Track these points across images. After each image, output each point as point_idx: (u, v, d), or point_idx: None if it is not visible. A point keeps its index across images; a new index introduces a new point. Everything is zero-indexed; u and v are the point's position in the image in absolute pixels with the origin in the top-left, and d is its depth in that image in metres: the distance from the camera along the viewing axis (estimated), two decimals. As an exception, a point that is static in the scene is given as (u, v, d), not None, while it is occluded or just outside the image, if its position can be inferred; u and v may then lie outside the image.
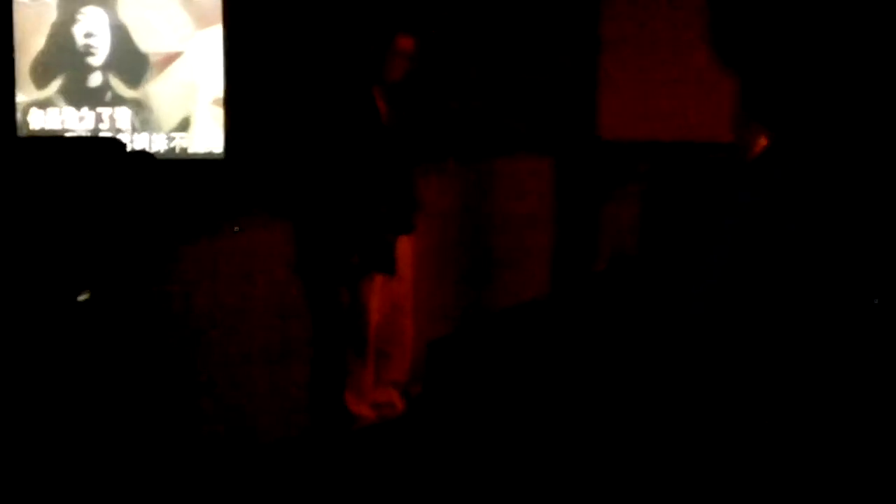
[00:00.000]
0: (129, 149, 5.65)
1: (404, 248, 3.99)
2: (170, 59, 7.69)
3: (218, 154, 7.72)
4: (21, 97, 7.63)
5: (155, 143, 7.72)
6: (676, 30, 7.43)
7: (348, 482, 3.72)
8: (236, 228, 3.81)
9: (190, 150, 7.75)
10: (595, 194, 7.14)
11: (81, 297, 3.72)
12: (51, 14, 7.67)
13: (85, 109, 7.65)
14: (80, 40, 7.71)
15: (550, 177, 6.52)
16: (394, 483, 3.69)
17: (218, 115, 7.66)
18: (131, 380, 3.49)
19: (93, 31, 7.68)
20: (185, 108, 7.73)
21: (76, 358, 3.47)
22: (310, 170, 3.98)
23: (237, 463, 3.73)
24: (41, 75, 7.67)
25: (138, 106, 7.71)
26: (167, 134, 7.76)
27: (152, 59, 7.70)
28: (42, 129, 7.64)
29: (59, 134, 7.61)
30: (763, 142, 5.23)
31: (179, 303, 3.66)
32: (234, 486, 3.63)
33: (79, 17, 7.70)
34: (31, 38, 7.63)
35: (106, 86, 7.67)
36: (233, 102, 7.67)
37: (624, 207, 7.27)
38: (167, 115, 7.74)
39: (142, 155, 6.35)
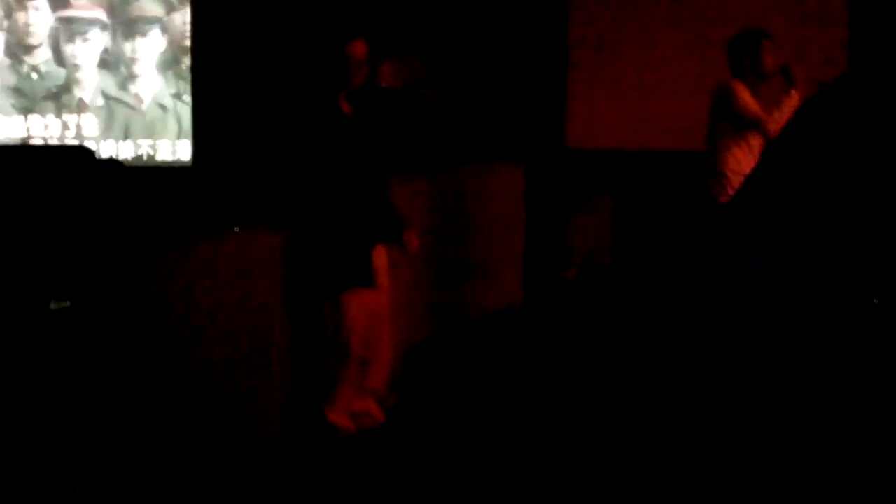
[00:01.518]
0: (97, 156, 5.60)
1: (381, 257, 3.99)
2: (137, 65, 7.66)
3: (185, 162, 7.68)
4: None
5: (122, 150, 7.67)
6: (644, 41, 7.52)
7: (333, 493, 3.72)
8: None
9: (157, 158, 7.70)
10: (565, 202, 7.19)
11: (56, 306, 3.68)
12: (20, 20, 7.69)
13: (50, 117, 7.61)
14: (46, 48, 7.66)
15: (522, 185, 6.55)
16: (377, 493, 3.70)
17: (186, 123, 7.63)
18: (108, 387, 3.46)
19: (59, 38, 7.65)
20: (152, 115, 7.69)
21: (51, 366, 3.44)
22: (284, 181, 3.97)
23: (216, 469, 3.72)
24: (5, 81, 7.63)
25: (105, 113, 7.67)
26: (134, 142, 7.71)
27: (118, 65, 7.67)
28: (6, 138, 7.56)
29: (25, 142, 7.54)
30: (735, 150, 5.24)
31: (157, 310, 3.63)
32: (215, 493, 3.62)
33: (39, 23, 7.68)
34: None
35: (71, 93, 7.62)
36: (200, 111, 7.64)
37: (594, 215, 7.33)
38: (134, 122, 7.70)
39: (111, 163, 6.32)
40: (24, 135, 7.63)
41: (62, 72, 7.75)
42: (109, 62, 7.77)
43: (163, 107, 7.79)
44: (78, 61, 7.75)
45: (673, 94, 7.30)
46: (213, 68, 7.52)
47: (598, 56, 7.61)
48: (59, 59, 7.77)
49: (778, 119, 4.92)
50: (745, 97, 4.97)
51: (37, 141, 7.59)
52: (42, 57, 7.76)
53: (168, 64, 7.82)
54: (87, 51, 7.76)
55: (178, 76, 7.81)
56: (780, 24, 6.68)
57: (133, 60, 7.81)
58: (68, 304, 3.64)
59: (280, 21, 7.42)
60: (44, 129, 7.61)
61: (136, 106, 7.78)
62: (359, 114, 4.01)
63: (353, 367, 3.88)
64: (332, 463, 3.90)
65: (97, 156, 5.65)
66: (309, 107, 4.02)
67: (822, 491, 1.78)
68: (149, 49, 7.81)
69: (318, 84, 4.00)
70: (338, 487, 3.74)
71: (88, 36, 7.72)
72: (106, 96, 7.77)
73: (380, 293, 3.99)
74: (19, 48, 7.72)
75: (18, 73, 7.73)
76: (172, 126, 7.71)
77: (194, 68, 7.60)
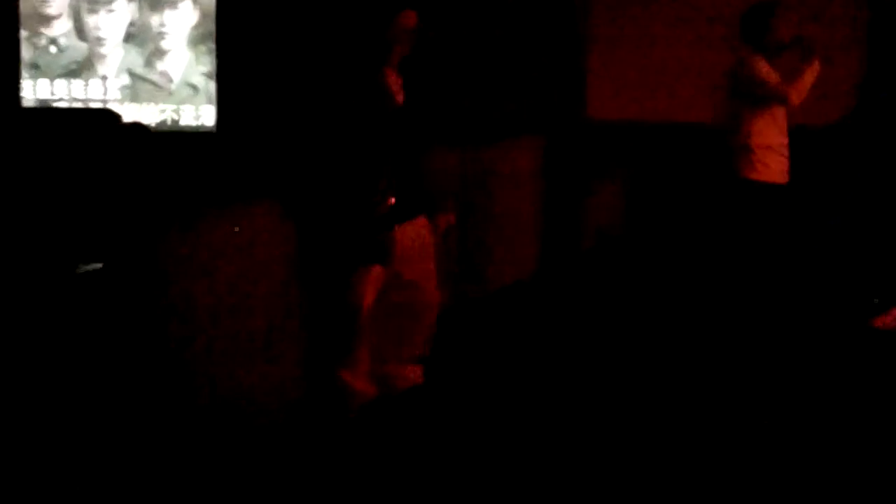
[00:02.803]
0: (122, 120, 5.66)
1: (423, 228, 4.02)
2: (166, 40, 7.67)
3: (209, 127, 7.74)
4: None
5: (145, 115, 7.72)
6: (664, 13, 7.51)
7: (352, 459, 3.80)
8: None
9: (181, 123, 7.76)
10: (582, 174, 7.22)
11: (87, 268, 3.76)
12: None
13: (77, 81, 7.62)
14: (66, 20, 7.60)
15: (540, 156, 6.59)
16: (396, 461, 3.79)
17: (210, 88, 7.67)
18: (132, 358, 3.52)
19: (80, 9, 7.59)
20: (180, 95, 7.70)
21: (78, 331, 3.51)
22: (316, 156, 3.95)
23: (234, 446, 3.79)
24: (33, 45, 7.62)
25: (130, 92, 7.68)
26: (158, 106, 7.76)
27: (144, 40, 7.67)
28: (34, 100, 7.61)
29: (49, 104, 7.59)
30: (759, 124, 5.22)
31: (175, 284, 3.68)
32: (234, 468, 3.69)
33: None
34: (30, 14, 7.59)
35: (93, 69, 7.61)
36: (224, 76, 7.68)
37: (611, 187, 7.36)
38: (159, 87, 7.73)
39: (136, 126, 6.38)
40: (49, 97, 7.63)
41: (83, 46, 7.57)
42: (135, 36, 7.59)
43: (193, 86, 7.69)
44: (101, 34, 7.55)
45: (693, 66, 7.29)
46: (237, 33, 7.55)
47: (619, 28, 7.61)
48: (81, 32, 7.57)
49: (800, 89, 4.89)
50: (764, 69, 4.93)
51: (61, 104, 7.64)
52: (61, 29, 7.57)
53: (199, 39, 7.64)
54: (111, 23, 7.52)
55: (211, 53, 7.59)
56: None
57: (161, 35, 7.59)
58: (98, 266, 3.72)
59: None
60: (68, 92, 7.61)
61: (164, 85, 7.67)
62: (405, 84, 3.93)
63: (365, 336, 3.93)
64: (350, 426, 3.98)
65: (122, 120, 5.71)
66: (347, 79, 3.93)
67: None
68: (179, 22, 7.59)
69: (360, 56, 3.90)
70: (353, 453, 3.83)
71: (113, 7, 7.51)
72: (131, 74, 7.63)
73: (425, 260, 4.03)
74: (36, 18, 7.50)
75: (35, 47, 7.54)
76: (196, 91, 7.73)
77: (219, 32, 7.62)
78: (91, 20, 7.57)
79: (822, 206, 6.29)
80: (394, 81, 3.89)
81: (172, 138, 7.43)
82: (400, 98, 3.91)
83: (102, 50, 7.62)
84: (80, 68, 7.62)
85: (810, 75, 4.90)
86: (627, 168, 7.48)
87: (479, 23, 7.29)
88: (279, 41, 7.38)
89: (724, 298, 5.14)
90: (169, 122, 7.76)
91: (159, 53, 7.68)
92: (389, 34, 3.81)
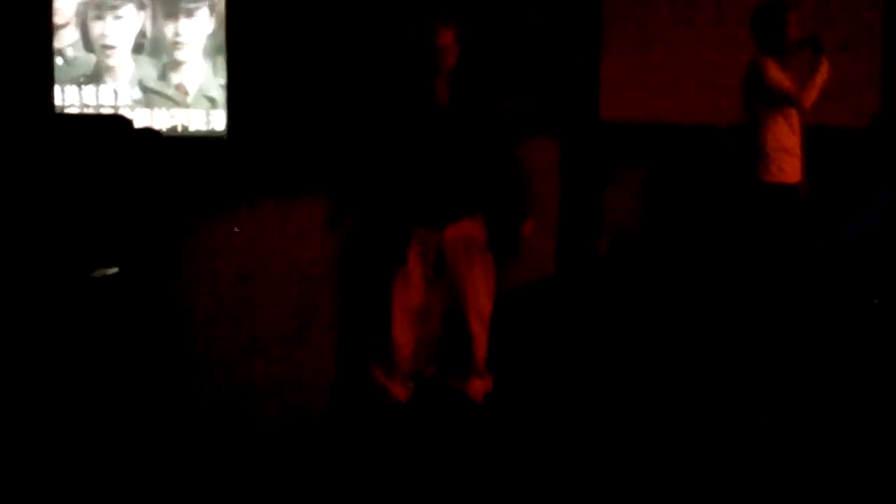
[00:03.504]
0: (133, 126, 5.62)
1: (474, 230, 3.99)
2: (181, 50, 7.63)
3: (220, 133, 7.70)
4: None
5: (156, 120, 7.69)
6: (678, 14, 7.48)
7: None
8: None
9: (191, 129, 7.72)
10: (598, 175, 7.19)
11: (105, 272, 3.73)
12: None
13: (89, 87, 7.57)
14: (72, 29, 7.49)
15: (556, 157, 6.56)
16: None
17: (220, 94, 7.64)
18: (151, 357, 3.50)
19: (87, 17, 7.52)
20: (197, 109, 7.65)
21: (94, 333, 3.48)
22: (359, 157, 3.99)
23: (264, 440, 3.80)
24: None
25: (143, 107, 7.63)
26: (168, 111, 7.72)
27: (158, 51, 7.64)
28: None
29: (59, 110, 7.55)
30: (772, 127, 5.23)
31: (201, 280, 3.67)
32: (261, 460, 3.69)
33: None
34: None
35: (101, 82, 7.57)
36: (235, 82, 7.65)
37: (626, 189, 7.32)
38: (168, 92, 7.70)
39: (148, 132, 6.34)
40: (59, 103, 7.59)
41: (91, 58, 7.38)
42: (147, 47, 7.41)
43: (211, 100, 7.56)
44: (110, 43, 7.32)
45: (708, 67, 7.26)
46: (247, 38, 7.53)
47: (633, 29, 7.59)
48: (88, 42, 7.36)
49: (810, 91, 4.91)
50: (775, 73, 4.93)
51: (71, 110, 7.60)
52: (68, 39, 7.37)
53: (217, 49, 7.45)
54: (120, 32, 7.26)
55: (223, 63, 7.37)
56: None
57: (176, 45, 7.36)
58: (115, 270, 3.68)
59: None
60: (79, 98, 7.56)
61: (180, 100, 7.52)
62: (456, 96, 3.96)
63: (400, 336, 3.95)
64: (383, 425, 4.02)
65: (134, 125, 5.67)
66: (394, 88, 4.01)
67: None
68: (195, 31, 7.35)
69: (408, 70, 3.98)
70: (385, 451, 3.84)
71: (122, 13, 7.28)
72: (144, 88, 7.49)
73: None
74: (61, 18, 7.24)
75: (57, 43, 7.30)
76: (206, 97, 7.69)
77: (229, 38, 7.59)
78: (100, 28, 7.49)
79: (845, 209, 6.28)
80: (442, 91, 3.92)
81: (184, 143, 7.40)
82: (445, 103, 3.93)
83: (111, 61, 7.48)
84: (92, 77, 7.54)
85: (820, 77, 4.94)
86: (643, 169, 7.44)
87: (498, 27, 7.27)
88: (289, 47, 7.36)
89: (736, 300, 5.14)
90: (179, 129, 7.72)
91: (174, 64, 7.56)
92: (428, 52, 3.86)
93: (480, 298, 4.01)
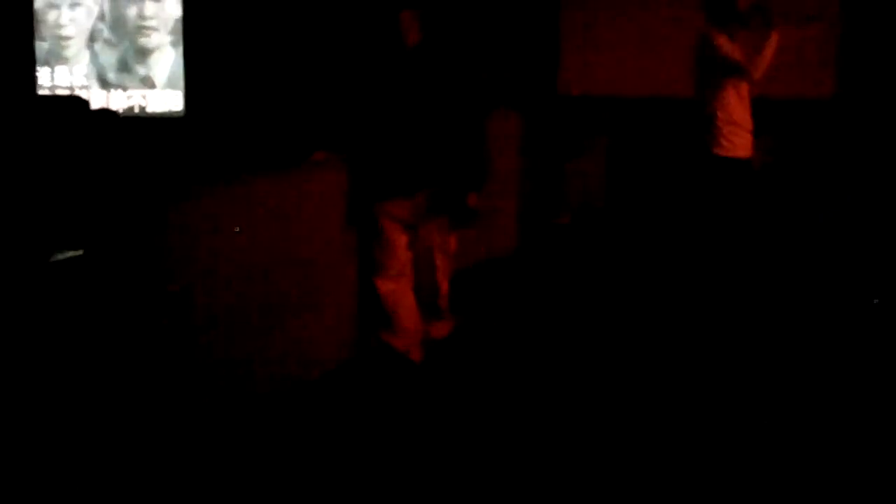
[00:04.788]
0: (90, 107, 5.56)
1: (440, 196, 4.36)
2: (129, 17, 7.56)
3: (177, 112, 7.65)
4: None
5: (113, 101, 7.62)
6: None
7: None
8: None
9: (149, 110, 7.66)
10: (560, 148, 7.21)
11: (64, 256, 3.69)
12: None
13: (43, 68, 7.48)
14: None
15: (518, 132, 6.56)
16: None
17: (177, 73, 7.58)
18: (137, 330, 3.47)
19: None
20: (144, 66, 7.61)
21: (56, 317, 3.45)
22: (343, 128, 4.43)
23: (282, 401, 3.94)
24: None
25: (96, 64, 7.57)
26: (126, 92, 7.65)
27: (108, 17, 7.57)
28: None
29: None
30: (722, 99, 5.26)
31: (207, 247, 3.67)
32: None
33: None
34: None
35: (58, 43, 7.50)
36: (192, 61, 7.59)
37: (588, 161, 7.36)
38: (126, 73, 7.62)
39: (105, 113, 6.28)
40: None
41: (42, 47, 7.24)
42: (106, 34, 7.41)
43: (155, 58, 7.59)
44: (63, 32, 7.23)
45: (666, 41, 7.30)
46: (203, 19, 7.47)
47: (589, 7, 7.62)
48: (38, 30, 7.20)
49: (760, 62, 4.88)
50: (724, 44, 4.89)
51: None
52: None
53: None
54: (75, 19, 7.18)
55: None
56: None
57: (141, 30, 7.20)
58: (76, 253, 3.65)
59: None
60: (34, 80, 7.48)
61: (129, 56, 7.47)
62: (418, 70, 4.28)
63: (402, 299, 4.32)
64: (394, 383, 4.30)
65: (90, 106, 5.61)
66: (367, 66, 4.40)
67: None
68: (160, 16, 7.22)
69: (377, 44, 4.35)
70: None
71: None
72: (102, 80, 7.42)
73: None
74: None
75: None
76: (164, 77, 7.62)
77: (185, 19, 7.53)
78: (50, 16, 7.37)
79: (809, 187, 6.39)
80: (408, 65, 4.27)
81: (142, 123, 7.34)
82: (410, 79, 4.26)
83: (66, 52, 7.38)
84: (49, 59, 7.45)
85: (769, 48, 4.88)
86: (605, 140, 7.49)
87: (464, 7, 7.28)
88: (247, 28, 7.31)
89: (697, 276, 5.17)
90: (136, 109, 7.66)
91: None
92: (394, 30, 4.26)
93: (444, 256, 4.52)
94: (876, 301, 5.27)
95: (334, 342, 4.40)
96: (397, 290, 4.33)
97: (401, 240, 4.31)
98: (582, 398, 4.16)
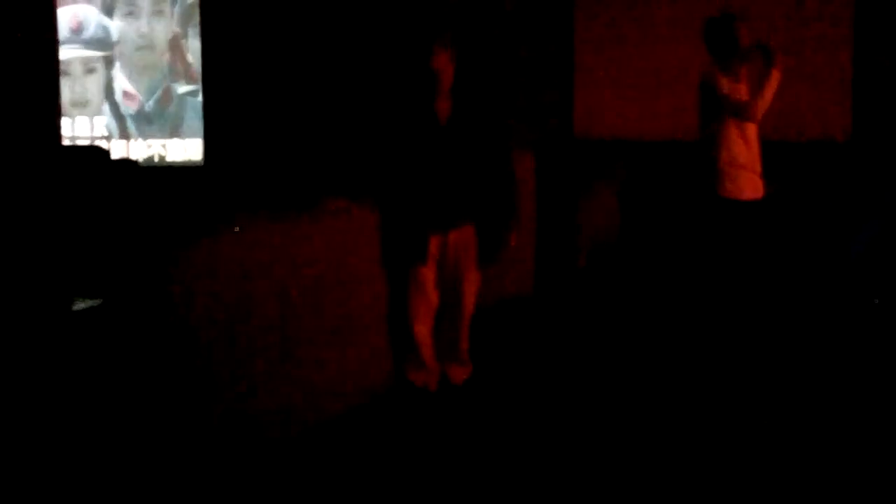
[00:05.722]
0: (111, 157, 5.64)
1: (470, 236, 4.33)
2: (149, 67, 7.68)
3: (197, 161, 7.74)
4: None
5: (133, 150, 7.72)
6: (646, 32, 7.58)
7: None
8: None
9: (168, 159, 7.76)
10: (574, 190, 7.24)
11: (84, 304, 3.74)
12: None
13: (64, 118, 7.57)
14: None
15: (532, 173, 6.62)
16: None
17: (197, 123, 7.68)
18: (147, 375, 3.50)
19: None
20: (164, 115, 7.72)
21: (79, 362, 3.48)
22: (371, 170, 4.37)
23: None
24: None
25: (116, 114, 7.69)
26: (146, 142, 7.76)
27: (130, 67, 7.70)
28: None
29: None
30: (726, 140, 5.24)
31: (224, 291, 3.73)
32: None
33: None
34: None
35: (79, 93, 7.63)
36: (211, 111, 7.69)
37: (602, 203, 7.39)
38: (146, 122, 7.74)
39: (126, 163, 6.37)
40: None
41: (63, 96, 7.11)
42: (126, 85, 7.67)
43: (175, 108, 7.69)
44: (85, 82, 7.39)
45: (676, 85, 7.35)
46: (223, 68, 7.57)
47: (604, 48, 7.69)
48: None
49: (761, 100, 4.82)
50: (724, 84, 4.86)
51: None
52: None
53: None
54: (96, 69, 7.53)
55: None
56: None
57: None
58: (96, 302, 3.69)
59: (286, 18, 7.48)
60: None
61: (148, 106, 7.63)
62: (458, 110, 4.28)
63: (423, 334, 4.32)
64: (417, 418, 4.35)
65: (111, 156, 5.70)
66: (398, 105, 4.36)
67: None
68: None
69: (410, 92, 4.31)
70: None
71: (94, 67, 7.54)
72: (122, 130, 7.48)
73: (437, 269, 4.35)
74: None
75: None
76: (183, 126, 7.71)
77: (205, 69, 7.64)
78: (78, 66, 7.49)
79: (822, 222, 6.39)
80: (443, 108, 4.26)
81: (162, 172, 7.44)
82: (445, 119, 4.27)
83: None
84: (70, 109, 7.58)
85: (770, 88, 4.79)
86: (618, 183, 7.53)
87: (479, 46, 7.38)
88: (267, 77, 7.41)
89: (709, 313, 5.16)
90: (156, 159, 7.76)
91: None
92: (429, 77, 4.22)
93: (469, 297, 4.42)
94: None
95: (359, 379, 4.46)
96: (424, 329, 4.33)
97: (431, 279, 4.30)
98: (602, 445, 4.15)
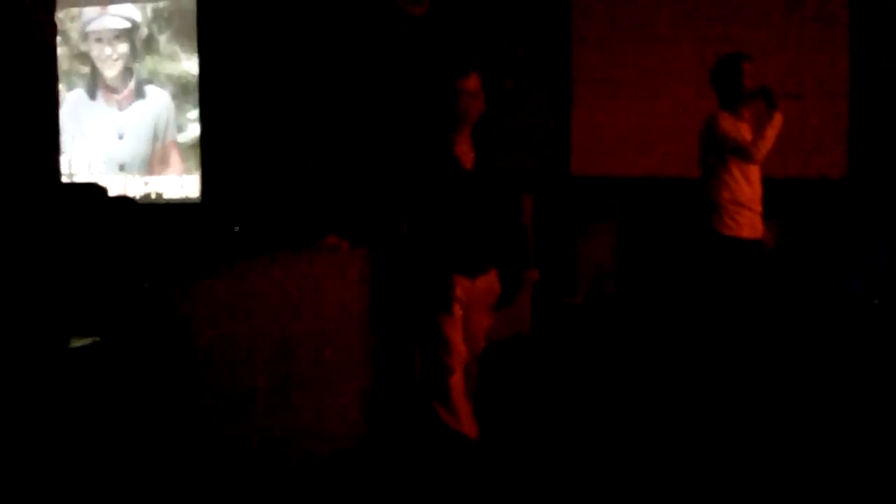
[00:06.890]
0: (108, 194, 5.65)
1: (494, 282, 4.15)
2: (144, 103, 7.71)
3: (194, 199, 7.74)
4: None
5: (130, 188, 7.73)
6: (645, 69, 7.64)
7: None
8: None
9: (165, 196, 7.76)
10: (571, 228, 7.25)
11: (80, 343, 3.73)
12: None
13: (62, 155, 7.59)
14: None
15: (530, 212, 6.61)
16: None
17: (193, 161, 7.69)
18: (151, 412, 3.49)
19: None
20: (160, 153, 7.73)
21: (76, 400, 3.47)
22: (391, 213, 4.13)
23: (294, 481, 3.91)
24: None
25: (113, 151, 7.70)
26: (143, 178, 7.77)
27: (125, 105, 7.73)
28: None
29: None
30: (728, 180, 5.28)
31: (217, 329, 3.70)
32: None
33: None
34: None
35: (77, 130, 7.65)
36: (208, 148, 7.71)
37: (600, 241, 7.40)
38: (143, 160, 7.75)
39: (123, 200, 6.37)
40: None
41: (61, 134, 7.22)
42: (123, 124, 7.77)
43: (170, 145, 7.72)
44: (83, 120, 7.49)
45: (671, 123, 7.40)
46: (219, 108, 7.60)
47: (601, 85, 7.74)
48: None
49: (761, 143, 4.91)
50: (729, 126, 4.93)
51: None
52: None
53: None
54: (93, 107, 7.61)
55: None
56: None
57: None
58: (93, 340, 3.68)
59: (285, 57, 7.52)
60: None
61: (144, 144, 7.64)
62: (481, 148, 4.05)
63: (457, 373, 4.09)
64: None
65: (108, 193, 5.71)
66: (416, 148, 4.07)
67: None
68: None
69: (427, 124, 4.01)
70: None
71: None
72: (120, 167, 7.63)
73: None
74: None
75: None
76: (179, 164, 7.72)
77: (202, 109, 7.67)
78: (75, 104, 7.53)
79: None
80: (463, 150, 4.00)
81: (160, 210, 7.43)
82: (469, 162, 4.01)
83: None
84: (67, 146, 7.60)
85: (772, 129, 4.89)
86: (616, 222, 7.55)
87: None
88: (262, 116, 7.44)
89: (708, 353, 5.17)
90: (153, 196, 7.77)
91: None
92: (455, 103, 3.89)
93: (482, 340, 4.26)
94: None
95: (348, 421, 4.37)
96: (460, 380, 4.10)
97: (459, 329, 4.06)
98: (601, 485, 4.13)
